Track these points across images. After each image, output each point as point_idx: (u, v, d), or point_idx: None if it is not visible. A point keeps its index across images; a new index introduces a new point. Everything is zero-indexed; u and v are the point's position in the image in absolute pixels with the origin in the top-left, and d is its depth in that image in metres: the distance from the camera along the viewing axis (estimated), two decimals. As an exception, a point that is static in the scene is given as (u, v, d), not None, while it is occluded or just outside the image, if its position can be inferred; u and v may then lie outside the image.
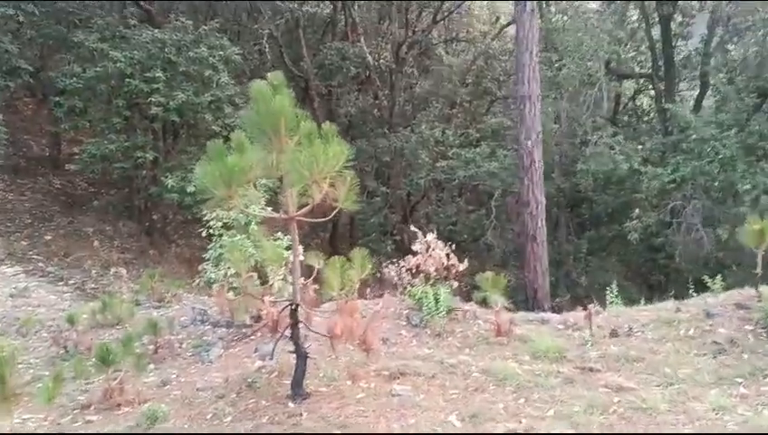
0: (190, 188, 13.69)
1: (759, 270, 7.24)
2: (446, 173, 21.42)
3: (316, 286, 6.83)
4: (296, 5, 19.90)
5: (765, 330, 6.58)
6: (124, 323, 10.22)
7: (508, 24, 26.54)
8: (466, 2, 28.00)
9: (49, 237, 18.39)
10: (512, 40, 26.83)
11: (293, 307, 6.19)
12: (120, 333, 9.88)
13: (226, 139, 6.06)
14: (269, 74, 5.95)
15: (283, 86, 5.97)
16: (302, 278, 7.35)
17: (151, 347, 9.02)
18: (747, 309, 7.07)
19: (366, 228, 22.64)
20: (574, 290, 22.38)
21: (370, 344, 6.33)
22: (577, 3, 20.02)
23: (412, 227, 9.69)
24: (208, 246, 9.81)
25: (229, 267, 9.35)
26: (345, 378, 6.59)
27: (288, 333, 6.23)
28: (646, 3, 19.94)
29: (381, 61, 25.76)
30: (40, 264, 16.89)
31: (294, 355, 6.24)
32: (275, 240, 9.68)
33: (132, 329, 9.95)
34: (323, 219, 6.42)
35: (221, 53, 17.74)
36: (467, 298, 9.14)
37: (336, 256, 6.04)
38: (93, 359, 7.24)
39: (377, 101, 25.48)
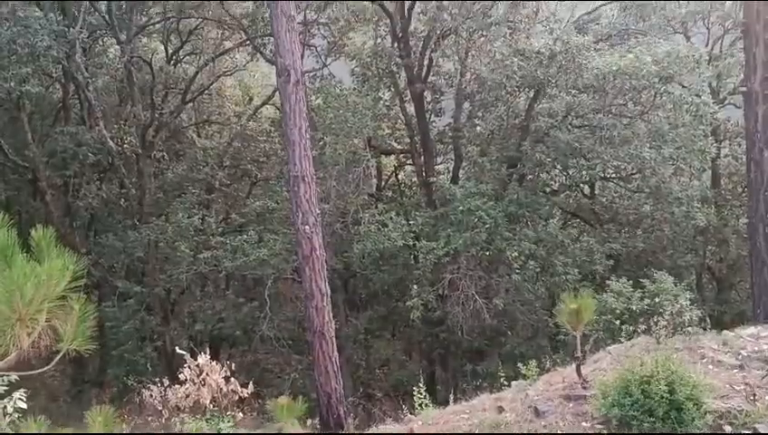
0: None
1: (579, 353, 6.54)
2: (211, 265, 19.38)
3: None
4: (13, 85, 16.90)
5: (604, 425, 5.80)
6: None
7: (263, 104, 25.74)
8: (215, 84, 26.70)
9: None
10: (268, 120, 26.14)
11: None
12: None
13: None
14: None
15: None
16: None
17: None
18: (577, 401, 6.29)
19: (119, 337, 19.53)
20: (357, 372, 21.42)
21: None
22: (338, 77, 19.75)
23: (177, 349, 7.73)
24: None
25: None
26: None
27: None
28: (399, 81, 20.34)
29: (126, 146, 23.24)
30: None
31: None
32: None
33: None
34: (38, 371, 4.36)
35: None
36: (258, 426, 7.39)
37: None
38: None
39: (123, 190, 22.78)
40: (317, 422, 10.81)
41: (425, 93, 20.50)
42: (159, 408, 9.38)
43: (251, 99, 28.09)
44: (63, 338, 4.19)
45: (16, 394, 7.23)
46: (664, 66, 15.39)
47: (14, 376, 7.06)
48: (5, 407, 7.09)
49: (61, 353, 4.25)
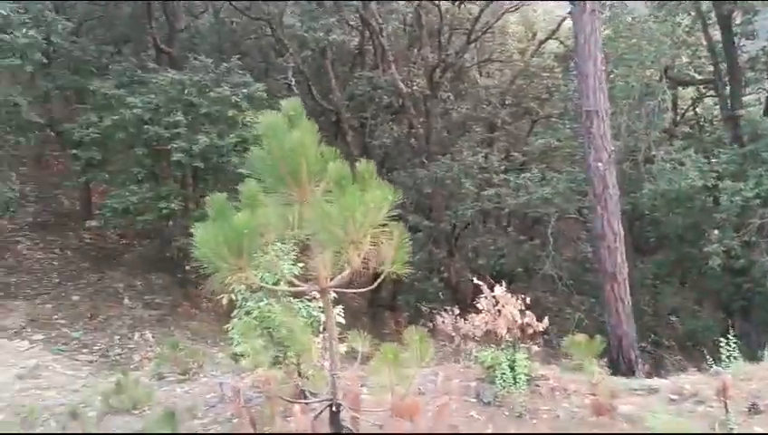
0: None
1: None
2: (494, 202, 19.74)
3: (362, 374, 5.29)
4: (322, 35, 18.75)
5: None
6: (142, 406, 8.82)
7: (547, 39, 25.11)
8: (499, 21, 26.51)
9: (76, 298, 17.28)
10: (551, 56, 25.42)
11: (334, 409, 4.63)
12: (136, 421, 8.50)
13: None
14: (283, 102, 4.50)
15: (301, 117, 4.49)
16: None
17: (171, 437, 7.56)
18: None
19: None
20: (643, 318, 20.42)
21: (439, 452, 4.71)
22: (629, 6, 18.25)
23: (474, 280, 8.08)
24: (232, 313, 8.32)
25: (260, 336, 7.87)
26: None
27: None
28: (701, 2, 18.16)
29: (415, 87, 24.42)
30: (64, 329, 15.75)
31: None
32: (311, 300, 8.18)
33: (151, 412, 8.62)
34: (366, 289, 4.88)
35: (245, 90, 16.55)
36: (545, 362, 7.47)
37: (387, 346, 4.45)
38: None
39: (412, 130, 24.09)
40: (604, 363, 10.60)
41: (733, 14, 18.03)
42: (452, 334, 9.90)
43: (534, 34, 27.54)
44: (384, 261, 4.63)
45: (335, 310, 8.17)
46: None
47: (332, 294, 8.01)
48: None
49: (383, 275, 4.70)
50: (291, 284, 5.23)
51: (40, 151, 22.33)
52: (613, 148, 11.30)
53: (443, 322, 10.12)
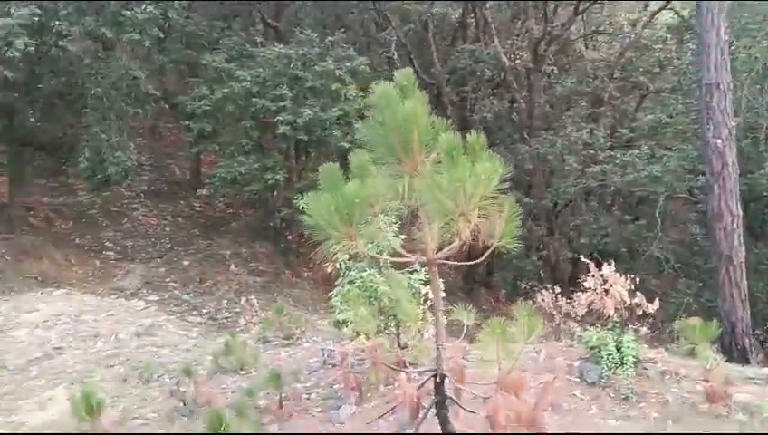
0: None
1: None
2: (598, 179, 19.07)
3: (465, 346, 5.30)
4: (425, 8, 18.57)
5: None
6: (248, 367, 9.25)
7: (660, 9, 23.79)
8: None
9: (186, 263, 18.24)
10: (664, 27, 24.11)
11: (438, 380, 4.66)
12: (243, 380, 8.93)
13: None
14: (396, 72, 4.51)
15: (413, 88, 4.50)
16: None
17: (276, 398, 7.91)
18: None
19: (508, 243, 20.68)
20: (756, 305, 19.29)
21: (542, 428, 4.67)
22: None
23: (582, 257, 7.88)
24: (336, 281, 8.51)
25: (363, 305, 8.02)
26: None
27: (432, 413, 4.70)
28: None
29: (518, 61, 23.80)
30: (176, 291, 16.68)
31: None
32: (412, 273, 8.23)
33: (257, 374, 9.03)
34: (472, 262, 4.86)
35: (348, 64, 16.71)
36: (651, 345, 7.21)
37: (495, 320, 4.41)
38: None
39: (514, 105, 23.54)
40: (715, 349, 10.13)
41: None
42: (552, 313, 9.76)
43: (646, 5, 26.17)
44: (494, 234, 4.58)
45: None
46: None
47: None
48: (426, 293, 7.91)
49: (491, 248, 4.66)
50: (397, 254, 5.25)
51: (155, 123, 23.53)
52: (733, 123, 10.63)
53: (543, 300, 9.96)
